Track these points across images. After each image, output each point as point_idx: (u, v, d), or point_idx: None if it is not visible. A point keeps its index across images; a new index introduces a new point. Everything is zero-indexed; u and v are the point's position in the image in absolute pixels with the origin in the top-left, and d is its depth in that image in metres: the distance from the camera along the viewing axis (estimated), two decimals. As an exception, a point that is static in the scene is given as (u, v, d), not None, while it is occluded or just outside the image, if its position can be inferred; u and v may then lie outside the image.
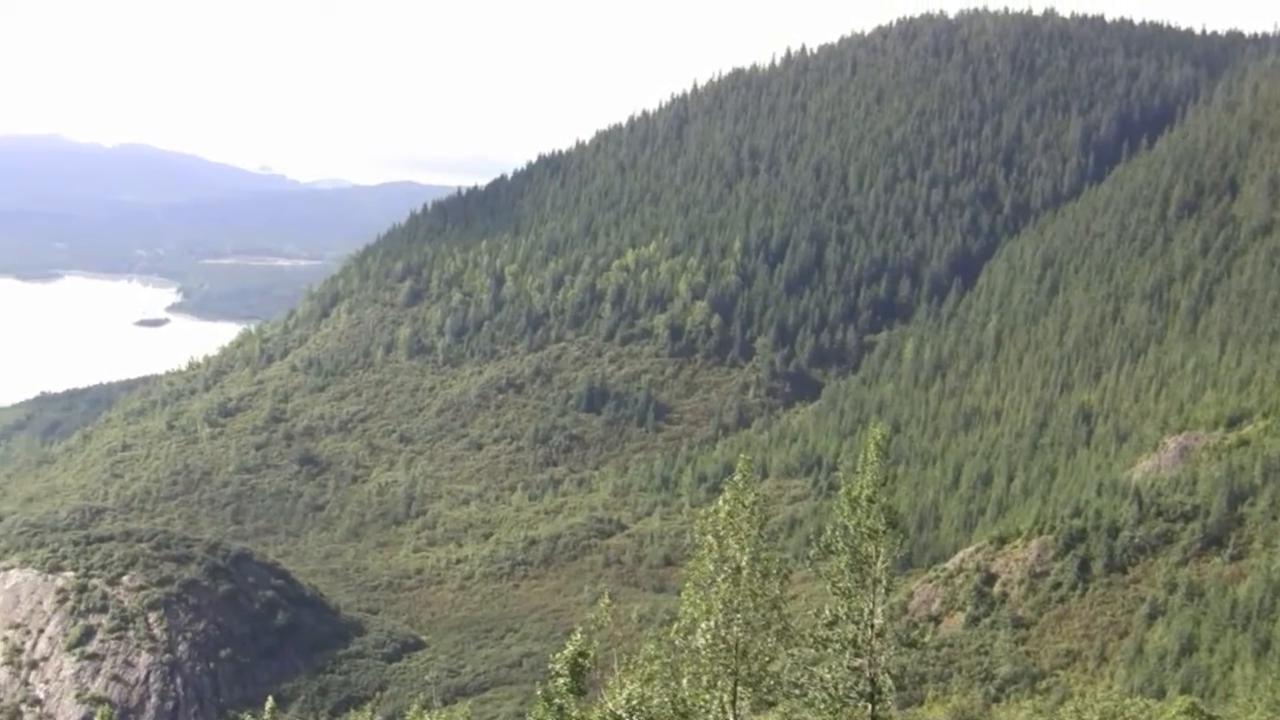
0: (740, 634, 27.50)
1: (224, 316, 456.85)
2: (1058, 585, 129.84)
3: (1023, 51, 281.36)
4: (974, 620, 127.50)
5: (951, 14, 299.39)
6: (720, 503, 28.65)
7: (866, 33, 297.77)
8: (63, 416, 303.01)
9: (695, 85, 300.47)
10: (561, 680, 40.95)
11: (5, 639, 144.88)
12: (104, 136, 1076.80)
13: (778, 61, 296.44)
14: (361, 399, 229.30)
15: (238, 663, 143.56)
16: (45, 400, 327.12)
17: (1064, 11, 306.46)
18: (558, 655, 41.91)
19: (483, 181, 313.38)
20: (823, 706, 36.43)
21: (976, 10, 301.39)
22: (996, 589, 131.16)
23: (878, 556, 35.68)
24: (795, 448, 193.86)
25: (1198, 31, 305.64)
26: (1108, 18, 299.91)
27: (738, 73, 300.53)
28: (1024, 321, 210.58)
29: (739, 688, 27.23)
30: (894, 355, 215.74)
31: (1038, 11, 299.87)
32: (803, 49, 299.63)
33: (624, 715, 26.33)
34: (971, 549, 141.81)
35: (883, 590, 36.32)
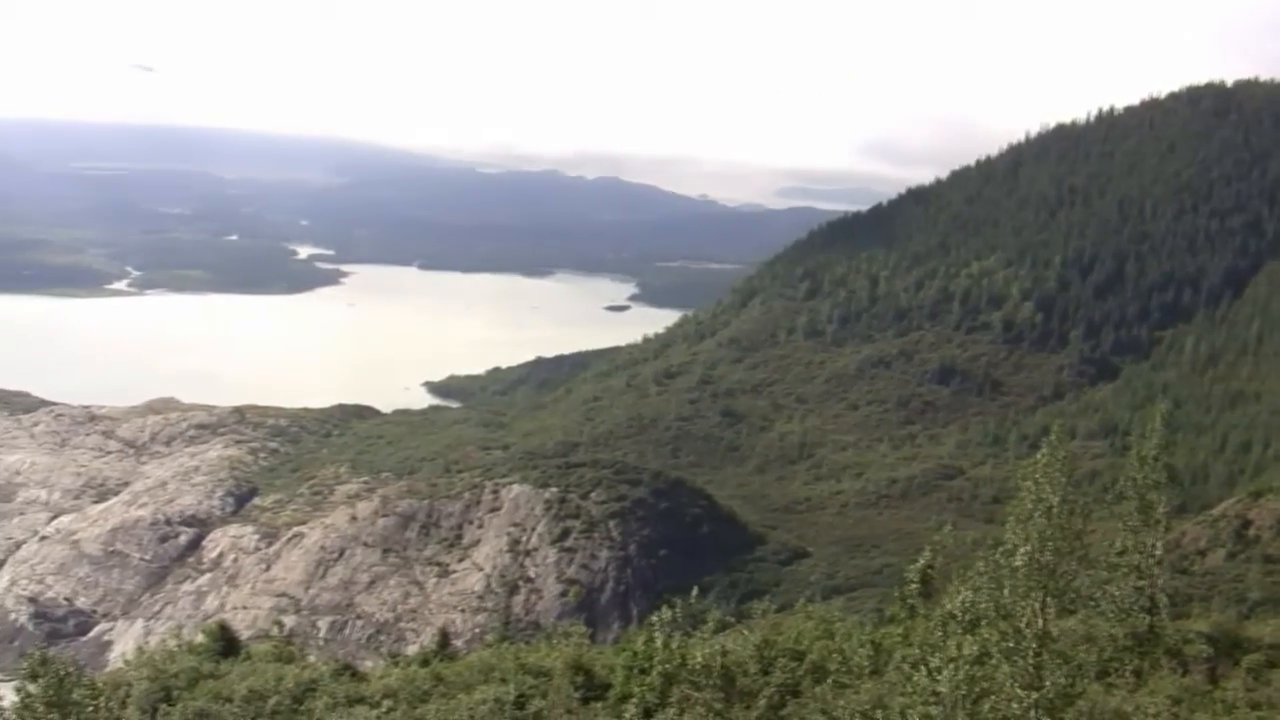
0: (1050, 558, 26.82)
1: (669, 305, 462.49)
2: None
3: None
4: (1232, 555, 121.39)
5: (1229, 83, 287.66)
6: (1038, 456, 28.01)
7: (1161, 97, 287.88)
8: (551, 374, 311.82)
9: (1027, 135, 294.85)
10: (913, 585, 40.64)
11: (508, 534, 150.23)
12: (587, 171, 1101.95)
13: (1091, 119, 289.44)
14: (769, 369, 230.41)
15: (671, 561, 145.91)
16: (541, 363, 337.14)
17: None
18: (911, 567, 41.62)
19: (864, 207, 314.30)
20: (1112, 616, 35.52)
21: (1250, 80, 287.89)
22: (1251, 532, 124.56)
23: (1159, 503, 35.31)
24: (1097, 417, 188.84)
25: None
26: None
27: (1060, 126, 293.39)
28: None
29: (1047, 598, 26.50)
30: (1177, 348, 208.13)
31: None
32: (1111, 109, 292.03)
33: (958, 614, 25.94)
34: (1233, 500, 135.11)
35: (1161, 529, 35.45)
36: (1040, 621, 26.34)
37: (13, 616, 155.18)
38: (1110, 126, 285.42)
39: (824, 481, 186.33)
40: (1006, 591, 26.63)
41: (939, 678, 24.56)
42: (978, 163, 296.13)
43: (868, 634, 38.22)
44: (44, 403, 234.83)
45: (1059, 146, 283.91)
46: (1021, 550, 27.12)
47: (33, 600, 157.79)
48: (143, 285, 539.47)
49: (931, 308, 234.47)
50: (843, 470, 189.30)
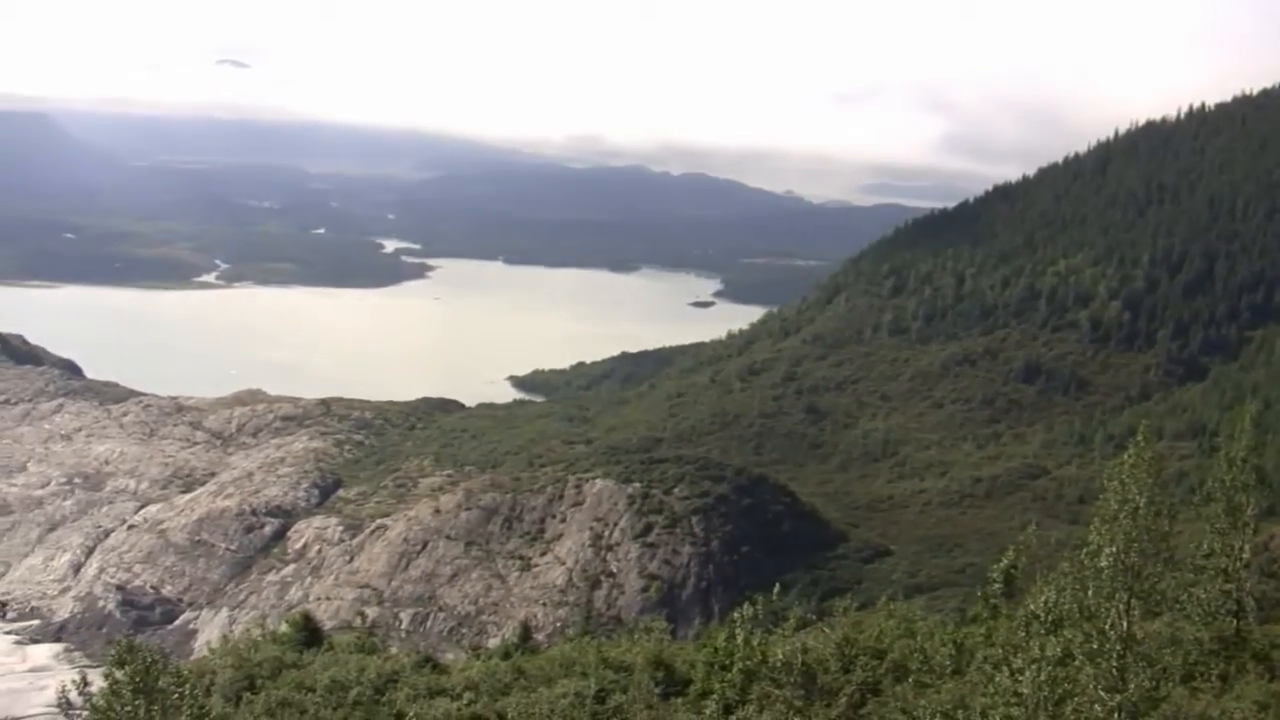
0: (1135, 559, 26.60)
1: (754, 301, 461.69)
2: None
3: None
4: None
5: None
6: (1125, 456, 27.76)
7: (1254, 94, 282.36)
8: (636, 370, 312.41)
9: (1116, 132, 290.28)
10: (996, 585, 40.47)
11: (591, 528, 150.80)
12: (672, 166, 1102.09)
13: (1182, 115, 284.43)
14: (853, 366, 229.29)
15: (753, 558, 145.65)
16: (625, 358, 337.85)
17: None
18: (994, 566, 41.45)
19: (950, 204, 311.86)
20: (1198, 619, 35.20)
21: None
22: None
23: (1247, 505, 34.96)
24: (1185, 417, 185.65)
25: None
26: None
27: (1150, 123, 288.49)
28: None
29: (1132, 600, 26.31)
30: (1266, 348, 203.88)
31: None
32: (1202, 106, 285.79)
33: (1041, 615, 25.83)
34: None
35: (1249, 531, 35.08)
36: (1125, 623, 26.17)
37: (101, 604, 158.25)
38: (1201, 123, 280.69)
39: (907, 480, 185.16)
40: (1091, 593, 26.49)
41: (1021, 679, 24.53)
42: (1066, 160, 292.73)
43: (950, 633, 38.09)
44: (133, 393, 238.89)
45: (1149, 144, 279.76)
46: (1106, 551, 26.95)
47: (120, 588, 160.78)
48: (230, 278, 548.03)
49: (1017, 306, 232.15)
50: (926, 468, 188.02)
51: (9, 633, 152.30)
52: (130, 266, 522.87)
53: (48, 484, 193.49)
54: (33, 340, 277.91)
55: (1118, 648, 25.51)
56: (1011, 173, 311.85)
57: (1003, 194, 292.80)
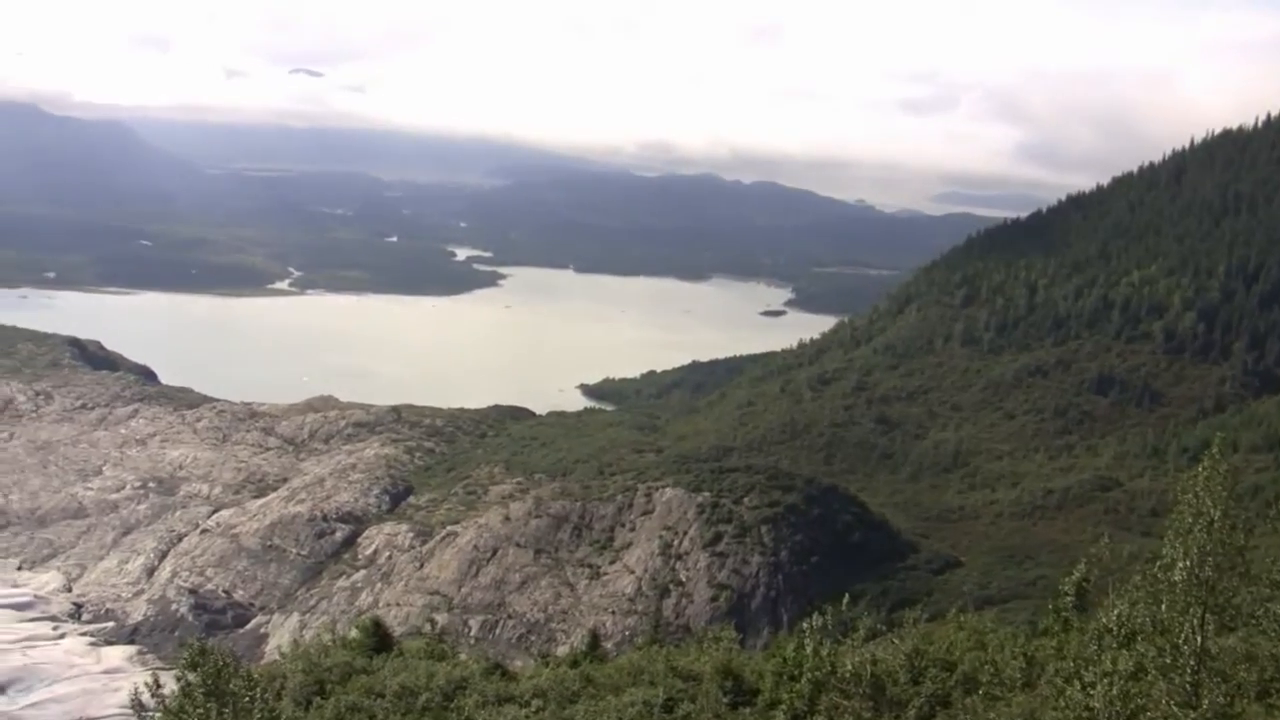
0: (1210, 573, 26.27)
1: (825, 311, 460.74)
2: None
3: None
4: None
5: None
6: (1199, 469, 27.38)
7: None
8: (706, 378, 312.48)
9: (1192, 141, 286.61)
10: (1067, 598, 39.99)
11: (660, 537, 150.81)
12: (744, 175, 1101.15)
13: (1259, 124, 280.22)
14: (924, 376, 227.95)
15: (822, 567, 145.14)
16: (695, 366, 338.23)
17: None
18: (1066, 579, 40.94)
19: (1023, 213, 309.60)
20: (1274, 634, 34.54)
21: None
22: None
23: None
24: (1260, 430, 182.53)
25: None
26: None
27: (1226, 132, 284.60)
28: None
29: (1206, 615, 26.03)
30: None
31: None
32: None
33: (1113, 628, 25.65)
34: None
35: (1330, 546, 34.47)
36: (1199, 638, 25.90)
37: (174, 607, 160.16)
38: (1279, 132, 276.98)
39: (978, 491, 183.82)
40: (1164, 606, 26.23)
41: (1093, 693, 24.33)
42: (1140, 169, 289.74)
43: (1020, 646, 37.80)
44: (206, 399, 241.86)
45: (1225, 152, 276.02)
46: (1180, 565, 26.67)
47: (193, 591, 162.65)
48: (303, 285, 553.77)
49: (1090, 316, 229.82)
50: (997, 480, 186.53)
51: (84, 634, 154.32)
52: (205, 273, 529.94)
53: (123, 488, 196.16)
54: (109, 346, 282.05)
55: (1191, 663, 25.26)
56: (1085, 182, 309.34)
57: (1076, 203, 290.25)
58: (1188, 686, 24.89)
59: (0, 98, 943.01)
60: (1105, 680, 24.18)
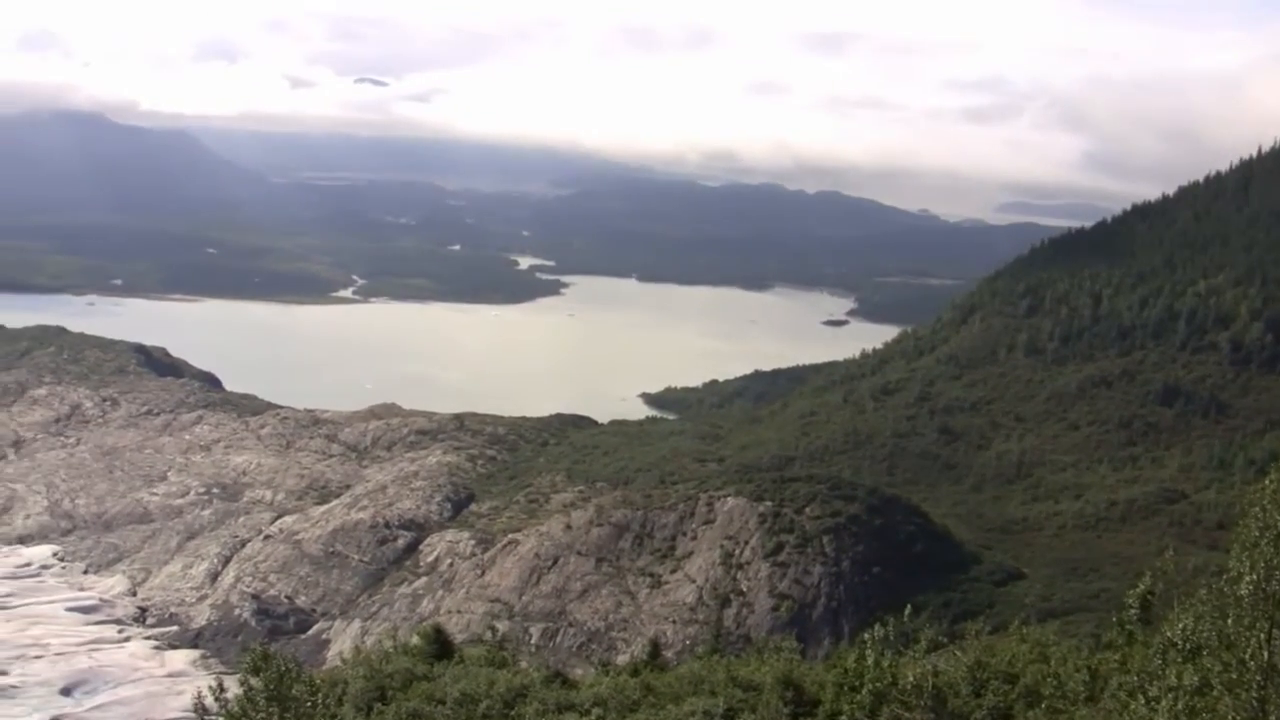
0: (1277, 587, 25.96)
1: (887, 320, 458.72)
2: None
3: None
4: None
5: None
6: (1267, 481, 26.99)
7: None
8: (768, 388, 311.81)
9: (1259, 150, 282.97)
10: (1132, 611, 39.64)
11: (722, 546, 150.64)
12: (806, 184, 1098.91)
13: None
14: (987, 386, 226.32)
15: (884, 578, 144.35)
16: (758, 375, 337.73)
17: None
18: (1130, 592, 40.58)
19: (1087, 223, 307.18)
20: (1344, 651, 34.22)
21: None
22: None
23: None
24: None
25: None
26: None
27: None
28: None
29: (1273, 630, 25.72)
30: None
31: None
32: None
33: (1178, 642, 25.38)
34: None
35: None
36: (1265, 653, 25.59)
37: (237, 612, 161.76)
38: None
39: (1042, 502, 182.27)
40: (1230, 621, 25.93)
41: (1157, 707, 24.11)
42: (1206, 178, 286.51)
43: (1084, 659, 37.49)
44: (270, 406, 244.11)
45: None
46: (1247, 579, 26.34)
47: (256, 597, 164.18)
48: (367, 293, 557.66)
49: (1155, 327, 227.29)
50: (1061, 491, 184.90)
51: (149, 638, 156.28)
52: (269, 281, 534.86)
53: (187, 493, 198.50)
54: (174, 353, 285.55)
55: (1258, 678, 24.95)
56: (1151, 191, 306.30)
57: (1141, 213, 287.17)
58: (1254, 702, 24.61)
59: (68, 108, 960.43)
60: (1170, 695, 23.96)
